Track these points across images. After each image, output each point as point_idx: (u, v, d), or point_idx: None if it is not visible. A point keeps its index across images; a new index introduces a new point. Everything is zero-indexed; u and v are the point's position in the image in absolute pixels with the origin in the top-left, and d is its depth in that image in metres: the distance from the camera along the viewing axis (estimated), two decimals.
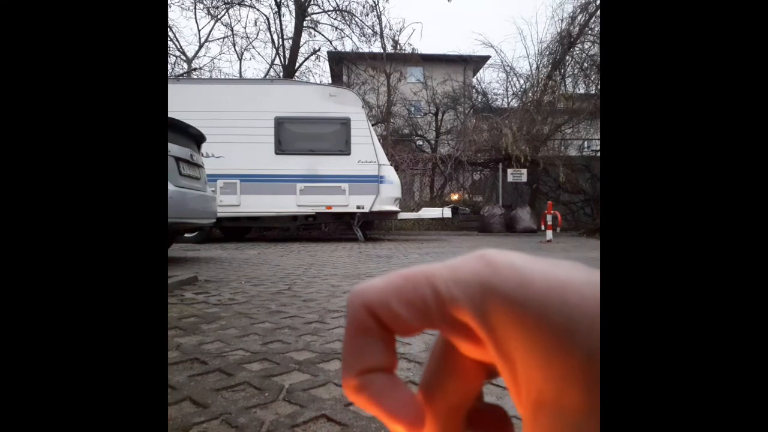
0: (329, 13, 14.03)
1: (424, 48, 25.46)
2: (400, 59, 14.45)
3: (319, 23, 14.27)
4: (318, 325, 2.07)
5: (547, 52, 14.37)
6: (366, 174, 7.83)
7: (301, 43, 14.10)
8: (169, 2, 10.83)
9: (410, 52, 14.37)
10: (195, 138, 4.95)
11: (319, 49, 15.27)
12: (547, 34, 25.36)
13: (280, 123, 7.73)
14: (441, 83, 15.43)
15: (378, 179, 7.86)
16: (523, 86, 15.19)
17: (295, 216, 7.93)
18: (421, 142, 15.10)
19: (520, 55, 50.08)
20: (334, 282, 3.36)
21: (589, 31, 13.43)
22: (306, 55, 14.69)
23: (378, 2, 15.88)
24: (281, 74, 14.22)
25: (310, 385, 1.36)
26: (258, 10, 17.90)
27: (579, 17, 13.49)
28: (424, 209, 9.93)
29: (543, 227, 8.67)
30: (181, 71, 14.83)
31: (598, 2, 9.06)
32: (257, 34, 28.07)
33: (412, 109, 15.88)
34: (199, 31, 19.11)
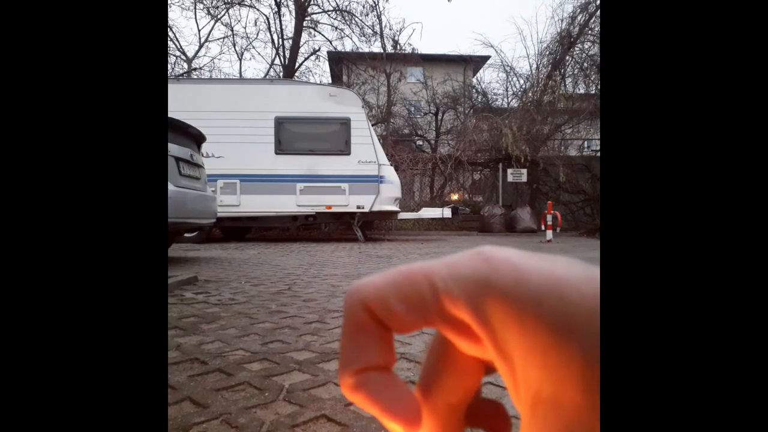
0: (329, 13, 14.05)
1: (424, 48, 25.55)
2: (400, 59, 14.46)
3: (319, 23, 14.28)
4: (318, 325, 2.07)
5: (547, 52, 14.39)
6: (366, 174, 7.82)
7: (301, 43, 14.11)
8: (169, 2, 10.83)
9: (410, 52, 14.39)
10: (195, 138, 4.95)
11: (319, 49, 15.28)
12: (547, 34, 25.35)
13: (280, 123, 7.73)
14: (441, 83, 15.42)
15: (378, 179, 7.86)
16: (523, 86, 15.22)
17: (295, 216, 7.93)
18: (421, 142, 15.10)
19: (520, 55, 50.06)
20: (334, 282, 3.36)
21: (589, 31, 13.45)
22: (306, 55, 14.71)
23: (378, 2, 15.89)
24: (281, 74, 14.22)
25: (310, 385, 1.35)
26: (258, 10, 17.88)
27: (579, 17, 13.52)
28: (424, 209, 9.92)
29: (543, 227, 8.66)
30: (181, 71, 14.84)
31: (598, 2, 9.06)
32: (257, 34, 28.09)
33: (412, 109, 15.88)
34: (199, 31, 19.14)
